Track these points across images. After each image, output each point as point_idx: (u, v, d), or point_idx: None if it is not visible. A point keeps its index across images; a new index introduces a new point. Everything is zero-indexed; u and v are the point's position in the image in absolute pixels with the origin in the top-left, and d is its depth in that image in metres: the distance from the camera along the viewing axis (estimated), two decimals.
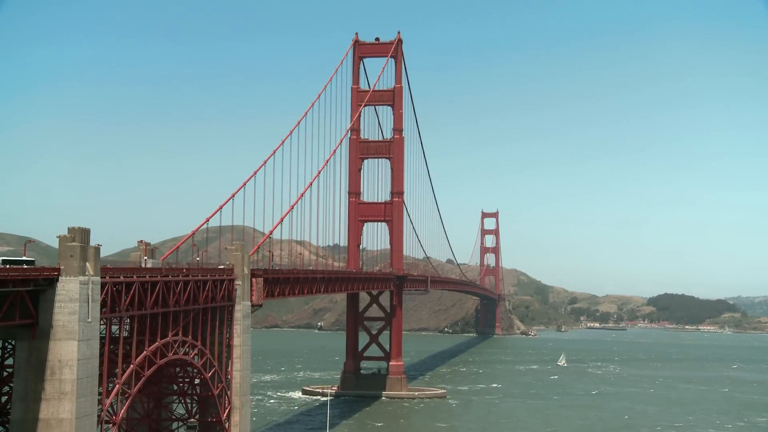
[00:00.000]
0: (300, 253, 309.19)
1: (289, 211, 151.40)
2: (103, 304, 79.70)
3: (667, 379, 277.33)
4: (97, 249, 78.68)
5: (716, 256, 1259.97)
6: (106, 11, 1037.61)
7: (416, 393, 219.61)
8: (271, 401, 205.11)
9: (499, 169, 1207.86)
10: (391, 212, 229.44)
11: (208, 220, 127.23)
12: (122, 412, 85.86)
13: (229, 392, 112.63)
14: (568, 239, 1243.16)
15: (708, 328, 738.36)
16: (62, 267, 74.96)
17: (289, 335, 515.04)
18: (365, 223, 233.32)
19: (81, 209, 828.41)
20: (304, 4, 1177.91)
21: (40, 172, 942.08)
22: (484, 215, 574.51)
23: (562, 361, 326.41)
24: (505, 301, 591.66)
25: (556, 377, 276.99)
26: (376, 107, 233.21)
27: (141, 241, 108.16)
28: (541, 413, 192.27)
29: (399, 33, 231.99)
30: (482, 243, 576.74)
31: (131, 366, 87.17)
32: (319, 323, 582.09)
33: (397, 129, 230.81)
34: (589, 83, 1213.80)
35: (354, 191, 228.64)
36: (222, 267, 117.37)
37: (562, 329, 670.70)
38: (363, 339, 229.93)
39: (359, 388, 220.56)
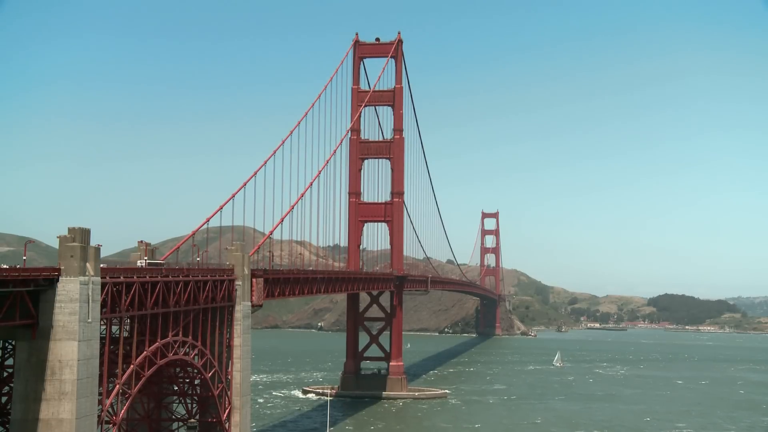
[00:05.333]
0: (300, 254, 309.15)
1: (289, 212, 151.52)
2: (103, 305, 79.69)
3: (672, 380, 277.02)
4: (98, 249, 78.64)
5: (716, 256, 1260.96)
6: (106, 11, 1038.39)
7: (417, 393, 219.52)
8: (272, 401, 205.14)
9: (499, 169, 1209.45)
10: (391, 212, 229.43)
11: (208, 221, 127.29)
12: (122, 413, 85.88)
13: (229, 392, 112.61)
14: (568, 239, 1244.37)
15: (708, 328, 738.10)
16: (62, 267, 74.94)
17: (289, 335, 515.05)
18: (365, 224, 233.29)
19: (81, 209, 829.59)
20: (304, 4, 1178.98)
21: (40, 172, 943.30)
22: (485, 215, 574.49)
23: (558, 362, 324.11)
24: (505, 302, 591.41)
25: (558, 378, 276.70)
26: (377, 107, 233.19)
27: (141, 241, 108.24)
28: (544, 414, 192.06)
29: (399, 33, 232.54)
30: (482, 243, 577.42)
31: (131, 366, 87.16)
32: (319, 323, 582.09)
33: (398, 129, 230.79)
34: (589, 83, 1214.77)
35: (354, 191, 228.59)
36: (198, 266, 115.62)
37: (563, 330, 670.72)
38: (363, 339, 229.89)
39: (359, 389, 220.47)
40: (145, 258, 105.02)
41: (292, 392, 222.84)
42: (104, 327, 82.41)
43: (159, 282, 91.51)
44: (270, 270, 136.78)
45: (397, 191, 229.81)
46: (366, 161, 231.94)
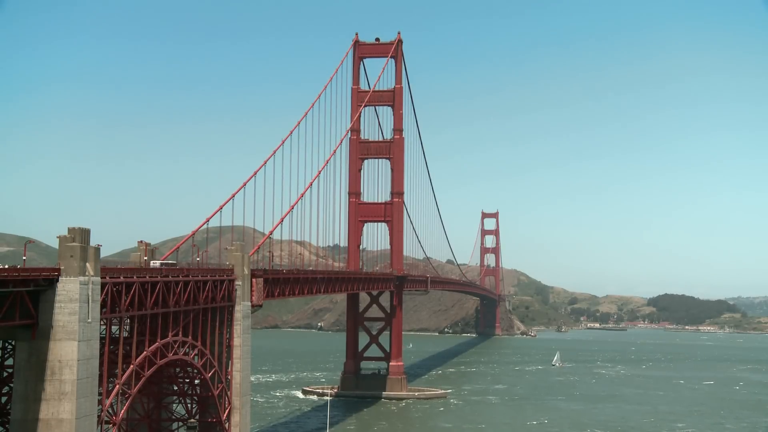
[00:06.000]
0: (300, 254, 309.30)
1: (289, 212, 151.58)
2: (103, 305, 79.69)
3: (675, 380, 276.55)
4: (97, 249, 78.65)
5: (716, 256, 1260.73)
6: (106, 11, 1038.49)
7: (416, 393, 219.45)
8: (272, 402, 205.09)
9: (499, 169, 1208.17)
10: (391, 212, 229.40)
11: (208, 221, 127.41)
12: (122, 413, 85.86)
13: (229, 392, 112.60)
14: (568, 239, 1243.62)
15: (708, 328, 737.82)
16: (62, 267, 74.93)
17: (289, 335, 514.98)
18: (365, 224, 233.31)
19: (81, 209, 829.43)
20: (304, 4, 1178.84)
21: (40, 171, 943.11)
22: (484, 215, 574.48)
23: (556, 362, 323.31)
24: (505, 302, 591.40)
25: (560, 378, 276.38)
26: (376, 107, 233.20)
27: (141, 241, 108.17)
28: (548, 414, 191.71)
29: (399, 33, 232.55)
30: (482, 243, 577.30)
31: (131, 366, 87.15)
32: (319, 323, 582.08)
33: (397, 129, 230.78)
34: (589, 83, 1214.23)
35: (354, 191, 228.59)
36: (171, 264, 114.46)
37: (562, 330, 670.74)
38: (363, 339, 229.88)
39: (359, 389, 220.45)
40: (145, 258, 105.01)
41: (292, 392, 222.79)
42: (104, 327, 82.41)
43: (159, 282, 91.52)
44: (270, 270, 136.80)
45: (397, 191, 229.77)
46: (366, 161, 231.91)
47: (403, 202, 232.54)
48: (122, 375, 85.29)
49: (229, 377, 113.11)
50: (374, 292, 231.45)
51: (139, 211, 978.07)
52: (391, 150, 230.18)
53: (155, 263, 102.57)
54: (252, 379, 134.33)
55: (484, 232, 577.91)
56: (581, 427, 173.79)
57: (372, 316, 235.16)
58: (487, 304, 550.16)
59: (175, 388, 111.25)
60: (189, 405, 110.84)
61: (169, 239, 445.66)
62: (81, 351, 74.02)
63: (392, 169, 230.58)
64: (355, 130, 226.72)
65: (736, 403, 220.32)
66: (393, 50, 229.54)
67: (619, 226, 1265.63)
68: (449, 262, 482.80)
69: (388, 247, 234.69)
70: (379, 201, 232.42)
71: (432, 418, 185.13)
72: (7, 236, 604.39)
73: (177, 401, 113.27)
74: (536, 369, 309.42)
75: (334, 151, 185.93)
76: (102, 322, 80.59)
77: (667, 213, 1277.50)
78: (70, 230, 77.06)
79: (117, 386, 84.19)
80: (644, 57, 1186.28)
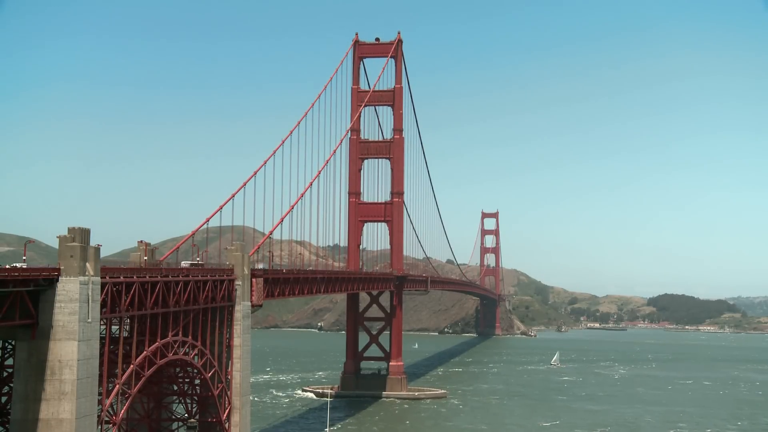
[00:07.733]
0: (300, 254, 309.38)
1: (289, 212, 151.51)
2: (103, 305, 79.68)
3: (681, 380, 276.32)
4: (97, 249, 78.65)
5: (716, 256, 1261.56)
6: (106, 11, 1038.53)
7: (416, 393, 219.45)
8: (271, 401, 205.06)
9: (499, 169, 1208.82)
10: (391, 212, 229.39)
11: (208, 221, 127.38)
12: (122, 413, 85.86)
13: (229, 392, 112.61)
14: (568, 239, 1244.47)
15: (708, 328, 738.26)
16: (62, 267, 74.92)
17: (289, 335, 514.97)
18: (365, 224, 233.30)
19: (81, 209, 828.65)
20: (304, 5, 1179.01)
21: (40, 172, 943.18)
22: (484, 215, 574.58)
23: (555, 362, 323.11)
24: (505, 302, 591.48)
25: (560, 378, 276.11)
26: (376, 107, 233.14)
27: (141, 241, 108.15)
28: (546, 414, 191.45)
29: (399, 33, 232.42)
30: (482, 243, 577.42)
31: (131, 366, 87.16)
32: (319, 323, 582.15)
33: (397, 129, 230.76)
34: (589, 83, 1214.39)
35: (354, 191, 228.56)
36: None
37: (562, 329, 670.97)
38: (363, 339, 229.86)
39: (359, 389, 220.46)
40: (146, 259, 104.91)
41: (292, 392, 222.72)
42: (104, 327, 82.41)
43: (159, 282, 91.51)
44: (270, 270, 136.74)
45: (397, 191, 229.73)
46: (366, 161, 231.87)
47: (403, 202, 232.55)
48: (122, 375, 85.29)
49: (229, 377, 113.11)
50: (374, 292, 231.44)
51: (139, 211, 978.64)
52: (391, 150, 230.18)
53: (185, 263, 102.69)
54: (252, 379, 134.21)
55: (484, 232, 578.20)
56: (595, 428, 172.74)
57: (372, 316, 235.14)
58: (487, 304, 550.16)
59: (175, 388, 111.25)
60: (189, 405, 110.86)
61: (169, 239, 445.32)
62: (81, 351, 74.02)
63: (392, 169, 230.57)
64: (355, 130, 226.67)
65: (747, 402, 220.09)
66: (393, 50, 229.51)
67: (618, 226, 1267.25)
68: (449, 262, 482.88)
69: (388, 247, 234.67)
70: (379, 201, 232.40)
71: (432, 417, 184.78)
72: (7, 236, 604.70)
73: (177, 401, 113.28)
74: (537, 369, 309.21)
75: (334, 151, 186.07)
76: (102, 322, 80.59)
77: (667, 213, 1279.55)
78: (70, 230, 77.05)
79: (117, 386, 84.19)
80: (644, 57, 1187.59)
